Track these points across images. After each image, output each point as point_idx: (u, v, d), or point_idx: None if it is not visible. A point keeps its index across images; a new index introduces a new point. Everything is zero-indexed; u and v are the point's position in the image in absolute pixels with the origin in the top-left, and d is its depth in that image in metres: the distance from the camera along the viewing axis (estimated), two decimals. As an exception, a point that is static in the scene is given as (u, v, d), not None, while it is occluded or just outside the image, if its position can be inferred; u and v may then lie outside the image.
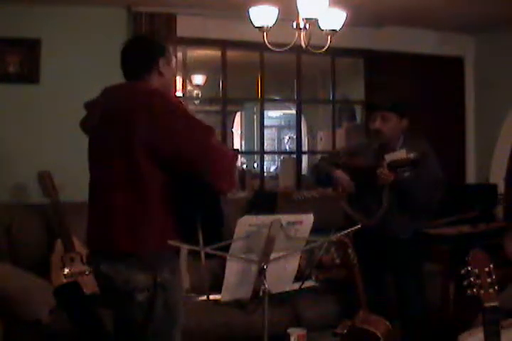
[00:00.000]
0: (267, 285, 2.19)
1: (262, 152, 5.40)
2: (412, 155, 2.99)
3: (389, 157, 3.08)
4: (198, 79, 7.70)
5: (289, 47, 3.52)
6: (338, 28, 3.54)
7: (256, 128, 9.16)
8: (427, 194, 3.09)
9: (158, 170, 2.05)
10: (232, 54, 4.80)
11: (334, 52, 4.45)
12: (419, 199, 3.11)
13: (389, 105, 3.23)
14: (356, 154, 3.36)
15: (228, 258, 2.19)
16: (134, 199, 2.06)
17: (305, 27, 3.43)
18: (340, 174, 3.28)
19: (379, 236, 3.19)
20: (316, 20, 3.44)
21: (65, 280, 3.38)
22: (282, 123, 11.33)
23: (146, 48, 2.26)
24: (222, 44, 4.67)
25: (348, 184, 3.26)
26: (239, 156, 2.20)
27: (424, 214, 3.31)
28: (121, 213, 2.07)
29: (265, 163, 6.59)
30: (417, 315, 3.22)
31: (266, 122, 5.56)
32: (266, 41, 3.51)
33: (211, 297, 3.11)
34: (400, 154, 3.07)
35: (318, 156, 7.93)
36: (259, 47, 3.98)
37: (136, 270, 2.07)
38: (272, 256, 2.19)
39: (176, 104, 2.09)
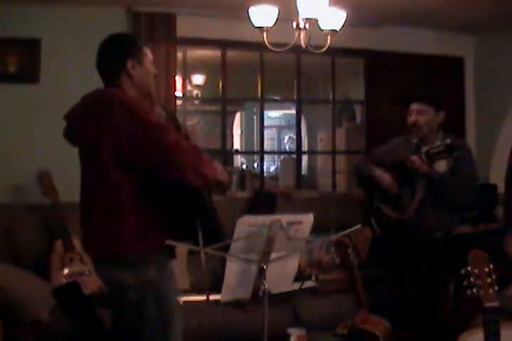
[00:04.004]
0: (266, 285, 2.19)
1: (262, 152, 5.40)
2: (448, 141, 2.95)
3: (426, 148, 3.06)
4: (198, 79, 7.70)
5: (289, 47, 3.52)
6: (338, 28, 3.54)
7: (256, 128, 9.16)
8: (462, 191, 3.08)
9: (128, 176, 2.08)
10: (232, 54, 4.80)
11: (334, 52, 4.45)
12: (452, 194, 3.09)
13: (424, 97, 3.22)
14: (395, 152, 3.35)
15: (228, 258, 2.19)
16: (107, 205, 2.10)
17: (305, 27, 3.43)
18: (379, 173, 3.27)
19: (413, 234, 3.17)
20: (316, 20, 3.44)
21: (64, 281, 3.38)
22: (282, 123, 11.33)
23: (114, 51, 2.24)
24: (222, 44, 4.67)
25: (388, 183, 3.23)
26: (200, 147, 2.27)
27: (457, 212, 3.29)
28: (97, 218, 2.14)
29: (265, 163, 6.59)
30: (433, 320, 3.19)
31: (266, 122, 5.56)
32: (266, 41, 3.51)
33: (211, 297, 3.11)
34: (437, 144, 3.05)
35: (319, 156, 8.00)
36: (259, 47, 3.98)
37: (123, 271, 2.10)
38: (272, 256, 2.20)
39: (134, 108, 2.09)
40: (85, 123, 2.14)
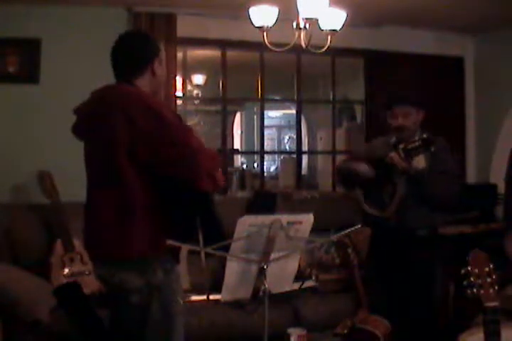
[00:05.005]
0: (267, 285, 2.19)
1: (262, 152, 5.40)
2: (424, 135, 2.98)
3: (403, 144, 3.09)
4: (198, 79, 7.70)
5: (289, 47, 3.52)
6: (338, 28, 3.54)
7: (256, 128, 9.17)
8: (442, 187, 3.09)
9: (140, 175, 2.05)
10: (232, 54, 4.80)
11: (334, 52, 4.45)
12: (433, 191, 3.10)
13: (410, 100, 3.23)
14: (374, 151, 3.36)
15: (228, 258, 2.20)
16: (117, 205, 2.06)
17: (305, 27, 3.44)
18: (356, 164, 3.27)
19: (397, 233, 3.18)
20: (316, 20, 3.44)
21: (64, 281, 3.38)
22: (282, 123, 11.33)
23: (142, 48, 2.21)
24: (222, 44, 4.67)
25: (365, 168, 3.22)
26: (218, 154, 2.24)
27: (440, 208, 3.30)
28: (106, 219, 2.09)
29: (265, 163, 6.58)
30: (425, 320, 3.20)
31: (266, 122, 5.55)
32: (266, 41, 3.51)
33: (211, 297, 3.11)
34: (414, 139, 3.08)
35: (319, 156, 8.01)
36: (259, 47, 3.98)
37: (129, 272, 2.08)
38: (272, 256, 2.20)
39: (153, 106, 2.06)
40: (100, 119, 2.10)
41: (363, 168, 3.22)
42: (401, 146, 3.04)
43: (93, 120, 2.14)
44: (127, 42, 2.23)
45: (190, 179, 2.02)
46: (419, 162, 3.12)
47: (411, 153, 3.01)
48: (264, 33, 3.50)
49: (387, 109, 3.27)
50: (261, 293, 2.21)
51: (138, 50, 2.20)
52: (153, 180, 2.06)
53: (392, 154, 3.06)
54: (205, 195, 2.09)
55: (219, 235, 2.16)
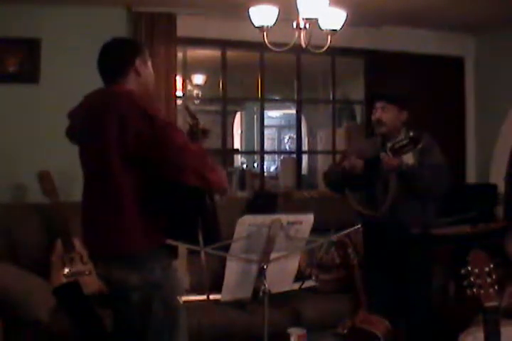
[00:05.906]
0: (267, 285, 2.19)
1: (262, 152, 5.40)
2: (411, 134, 3.02)
3: (390, 144, 3.11)
4: (198, 79, 7.70)
5: (289, 47, 3.53)
6: (338, 28, 3.55)
7: (256, 128, 9.16)
8: (433, 181, 3.10)
9: (131, 174, 2.08)
10: (232, 54, 4.80)
11: (334, 52, 4.46)
12: (425, 186, 3.12)
13: (388, 97, 3.28)
14: (362, 152, 3.37)
15: (228, 258, 2.20)
16: (109, 203, 2.09)
17: (305, 27, 3.44)
18: (347, 161, 3.28)
19: (391, 232, 3.19)
20: (316, 20, 3.45)
21: (64, 280, 3.38)
22: (282, 123, 11.33)
23: (122, 49, 2.28)
24: (222, 44, 4.68)
25: (355, 161, 3.22)
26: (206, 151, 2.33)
27: (432, 203, 3.30)
28: (101, 216, 2.12)
29: (265, 163, 6.58)
30: (423, 319, 3.21)
31: (266, 122, 5.55)
32: (266, 41, 3.52)
33: (211, 297, 3.11)
34: (400, 138, 3.12)
35: (318, 156, 8.01)
36: (259, 47, 3.98)
37: (127, 270, 2.09)
38: (272, 256, 2.20)
39: (143, 106, 2.09)
40: (94, 121, 2.12)
41: (352, 160, 3.22)
42: (388, 146, 3.07)
43: (87, 122, 2.17)
44: (106, 48, 2.28)
45: (175, 177, 2.05)
46: (408, 159, 3.15)
47: (399, 152, 3.04)
48: (264, 33, 3.50)
49: (372, 106, 3.34)
50: (261, 293, 2.22)
51: (117, 53, 2.27)
52: (145, 178, 2.09)
53: (383, 155, 3.08)
54: (196, 190, 2.10)
55: (213, 235, 2.17)
